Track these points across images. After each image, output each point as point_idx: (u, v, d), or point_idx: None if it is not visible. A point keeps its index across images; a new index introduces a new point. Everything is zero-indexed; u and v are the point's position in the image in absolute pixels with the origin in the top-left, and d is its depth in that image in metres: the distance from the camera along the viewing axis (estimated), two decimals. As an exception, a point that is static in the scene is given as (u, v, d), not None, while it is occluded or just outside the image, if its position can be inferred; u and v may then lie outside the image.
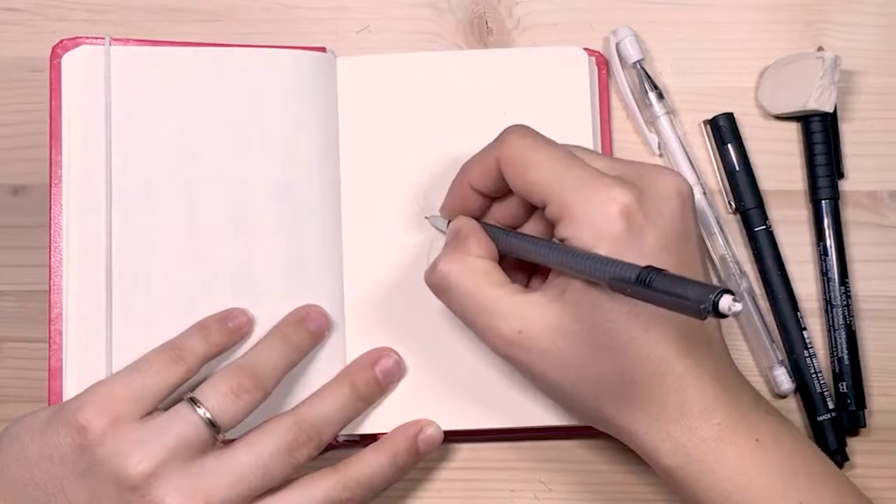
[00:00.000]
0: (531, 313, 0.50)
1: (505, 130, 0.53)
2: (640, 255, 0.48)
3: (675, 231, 0.50)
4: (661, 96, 0.61)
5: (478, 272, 0.52)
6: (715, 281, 0.60)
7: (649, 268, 0.45)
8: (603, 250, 0.48)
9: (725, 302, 0.41)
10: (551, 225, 0.51)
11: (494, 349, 0.52)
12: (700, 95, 0.62)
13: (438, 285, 0.53)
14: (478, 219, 0.55)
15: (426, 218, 0.59)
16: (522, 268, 0.56)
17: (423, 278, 0.54)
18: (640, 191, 0.50)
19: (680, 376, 0.50)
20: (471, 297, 0.52)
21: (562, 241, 0.50)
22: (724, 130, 0.61)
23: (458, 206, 0.55)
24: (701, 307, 0.42)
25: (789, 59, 0.61)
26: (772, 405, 0.52)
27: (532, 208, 0.54)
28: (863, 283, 0.61)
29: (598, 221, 0.49)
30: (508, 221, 0.55)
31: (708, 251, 0.60)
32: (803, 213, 0.61)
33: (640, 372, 0.49)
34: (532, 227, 0.55)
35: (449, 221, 0.56)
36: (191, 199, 0.58)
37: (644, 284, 0.44)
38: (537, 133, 0.52)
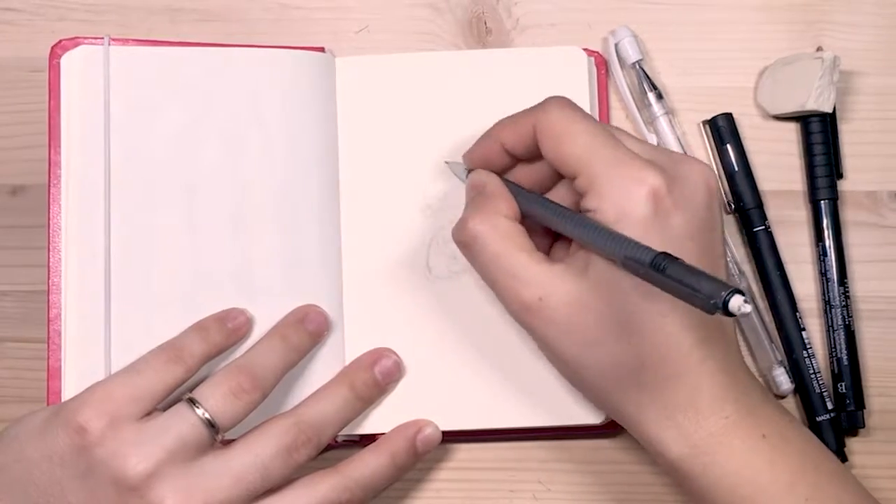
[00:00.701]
0: (553, 284, 0.51)
1: (546, 99, 0.53)
2: (663, 239, 0.49)
3: (700, 220, 0.50)
4: (660, 96, 0.61)
5: (506, 234, 0.52)
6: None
7: (665, 254, 0.45)
8: (626, 230, 0.49)
9: (736, 301, 0.42)
10: (578, 196, 0.52)
11: (512, 313, 0.52)
12: (699, 95, 0.62)
13: (466, 243, 0.53)
14: (500, 175, 0.55)
15: (446, 162, 0.59)
16: (544, 233, 0.55)
17: (451, 234, 0.54)
18: (671, 177, 0.50)
19: (693, 366, 0.50)
20: (497, 259, 0.52)
21: (586, 212, 0.51)
22: (723, 130, 0.61)
23: (483, 160, 0.55)
24: (711, 302, 0.42)
25: (788, 59, 0.61)
26: (779, 402, 0.53)
27: (559, 176, 0.54)
28: (861, 284, 0.61)
29: (626, 200, 0.49)
30: (532, 185, 0.55)
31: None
32: (802, 213, 0.61)
33: (653, 357, 0.49)
34: (557, 195, 0.55)
35: (468, 172, 0.56)
36: (190, 199, 0.58)
37: (658, 269, 0.45)
38: (577, 106, 0.53)
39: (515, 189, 0.54)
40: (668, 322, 0.49)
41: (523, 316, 0.52)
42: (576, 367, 0.51)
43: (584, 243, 0.50)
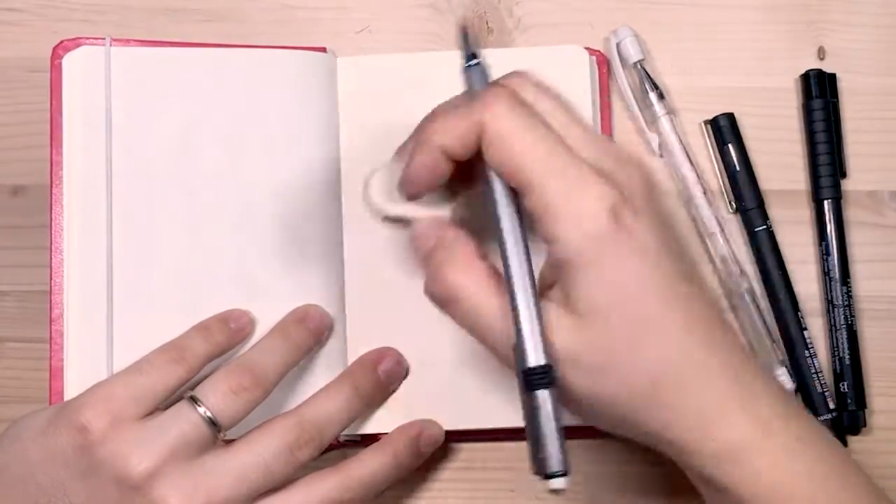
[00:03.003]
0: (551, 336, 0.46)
1: (491, 93, 0.47)
2: (631, 250, 0.46)
3: (657, 217, 0.48)
4: (661, 96, 0.61)
5: (483, 284, 0.48)
6: (716, 281, 0.60)
7: (545, 368, 0.44)
8: (592, 251, 0.46)
9: (556, 483, 0.43)
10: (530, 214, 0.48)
11: (508, 364, 0.48)
12: (701, 95, 0.62)
13: (444, 298, 0.48)
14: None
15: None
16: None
17: (424, 290, 0.49)
18: (620, 183, 0.47)
19: (712, 375, 0.47)
20: (480, 315, 0.48)
21: (546, 241, 0.47)
22: (724, 130, 0.61)
23: (427, 178, 0.49)
24: (537, 469, 0.44)
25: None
26: (801, 403, 0.51)
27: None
28: (862, 284, 0.61)
29: (587, 222, 0.46)
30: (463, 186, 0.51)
31: (708, 251, 0.61)
32: (804, 212, 0.61)
33: (668, 375, 0.46)
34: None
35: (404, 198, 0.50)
36: (191, 199, 0.58)
37: (527, 383, 0.45)
38: (525, 105, 0.47)
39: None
40: (673, 340, 0.46)
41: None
42: (585, 402, 0.47)
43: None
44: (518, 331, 0.46)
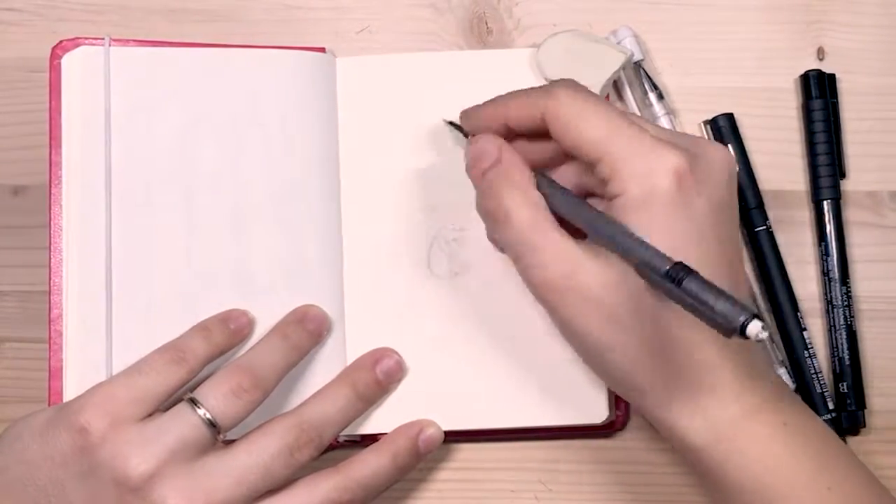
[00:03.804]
0: (585, 261, 0.49)
1: (553, 83, 0.52)
2: (688, 218, 0.48)
3: (722, 201, 0.50)
4: (661, 96, 0.61)
5: (538, 209, 0.51)
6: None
7: (681, 265, 0.44)
8: (653, 210, 0.48)
9: (754, 328, 0.41)
10: (591, 180, 0.51)
11: (536, 288, 0.51)
12: (700, 95, 0.62)
13: (497, 216, 0.51)
14: None
15: (447, 122, 0.58)
16: None
17: (477, 205, 0.52)
18: (693, 156, 0.49)
19: (716, 352, 0.49)
20: (528, 234, 0.50)
21: (611, 198, 0.49)
22: (724, 130, 0.61)
23: (486, 126, 0.54)
24: (730, 326, 0.42)
25: (587, 35, 0.60)
26: (796, 393, 0.52)
27: (561, 158, 0.53)
28: (862, 284, 0.61)
29: (650, 180, 0.48)
30: (536, 163, 0.53)
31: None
32: (804, 213, 0.61)
33: (679, 342, 0.48)
34: (563, 177, 0.53)
35: (466, 135, 0.55)
36: (191, 199, 0.58)
37: (673, 281, 0.44)
38: (586, 89, 0.51)
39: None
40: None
41: (548, 293, 0.50)
42: (601, 349, 0.50)
43: (598, 240, 0.49)
44: (639, 247, 0.47)
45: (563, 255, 0.50)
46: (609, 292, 0.49)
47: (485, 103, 0.54)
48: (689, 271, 0.44)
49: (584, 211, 0.50)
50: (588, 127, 0.50)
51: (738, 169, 0.52)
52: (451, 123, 0.58)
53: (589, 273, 0.49)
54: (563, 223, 0.51)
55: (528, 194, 0.51)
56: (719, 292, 0.43)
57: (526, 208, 0.51)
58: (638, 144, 0.49)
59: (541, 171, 0.53)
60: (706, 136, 0.62)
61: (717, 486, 0.50)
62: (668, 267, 0.45)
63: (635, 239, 0.47)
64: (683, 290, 0.44)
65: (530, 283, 0.51)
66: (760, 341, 0.42)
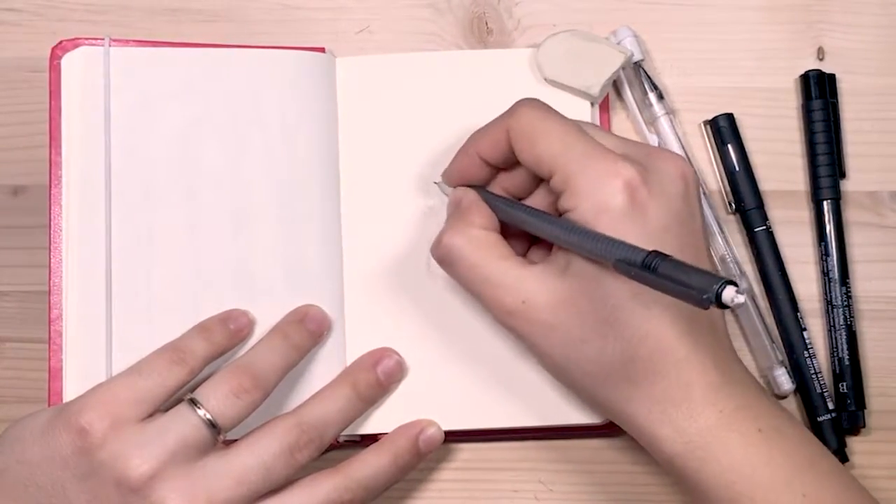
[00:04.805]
0: (534, 286, 0.51)
1: (516, 102, 0.53)
2: (641, 232, 0.49)
3: (678, 212, 0.50)
4: (661, 97, 0.61)
5: (481, 244, 0.53)
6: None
7: (655, 252, 0.45)
8: (604, 224, 0.49)
9: (729, 293, 0.42)
10: (555, 197, 0.52)
11: (498, 319, 0.53)
12: (700, 96, 0.62)
13: (444, 258, 0.53)
14: (482, 187, 0.56)
15: (435, 182, 0.58)
16: (522, 236, 0.56)
17: (430, 251, 0.54)
18: (646, 169, 0.50)
19: (681, 360, 0.49)
20: (475, 269, 0.52)
21: (564, 212, 0.51)
22: (724, 131, 0.61)
23: (462, 174, 0.56)
24: (704, 297, 0.42)
25: (587, 35, 0.60)
26: (775, 398, 0.52)
27: (539, 180, 0.54)
28: (862, 284, 0.61)
29: (602, 194, 0.49)
30: (515, 192, 0.55)
31: (708, 251, 0.60)
32: (804, 213, 0.61)
33: (640, 351, 0.49)
34: (538, 200, 0.55)
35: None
36: (191, 199, 0.58)
37: (649, 269, 0.45)
38: (548, 106, 0.53)
39: (496, 200, 0.55)
40: (652, 315, 0.49)
41: (508, 320, 0.52)
42: (563, 366, 0.51)
43: (571, 248, 0.50)
44: (606, 243, 0.48)
45: (514, 284, 0.51)
46: (560, 311, 0.50)
47: (457, 153, 0.56)
48: (662, 256, 0.45)
49: (548, 223, 0.51)
50: (543, 142, 0.51)
51: (697, 178, 0.52)
52: (438, 183, 0.59)
53: (538, 296, 0.51)
54: (527, 239, 0.55)
55: (472, 232, 0.53)
56: (691, 269, 0.43)
57: (469, 245, 0.53)
58: (590, 159, 0.50)
59: (498, 197, 0.55)
60: (706, 137, 0.62)
61: (693, 492, 0.50)
62: (642, 257, 0.45)
63: (603, 238, 0.48)
64: (659, 276, 0.44)
65: (492, 315, 0.53)
66: (739, 306, 0.42)
